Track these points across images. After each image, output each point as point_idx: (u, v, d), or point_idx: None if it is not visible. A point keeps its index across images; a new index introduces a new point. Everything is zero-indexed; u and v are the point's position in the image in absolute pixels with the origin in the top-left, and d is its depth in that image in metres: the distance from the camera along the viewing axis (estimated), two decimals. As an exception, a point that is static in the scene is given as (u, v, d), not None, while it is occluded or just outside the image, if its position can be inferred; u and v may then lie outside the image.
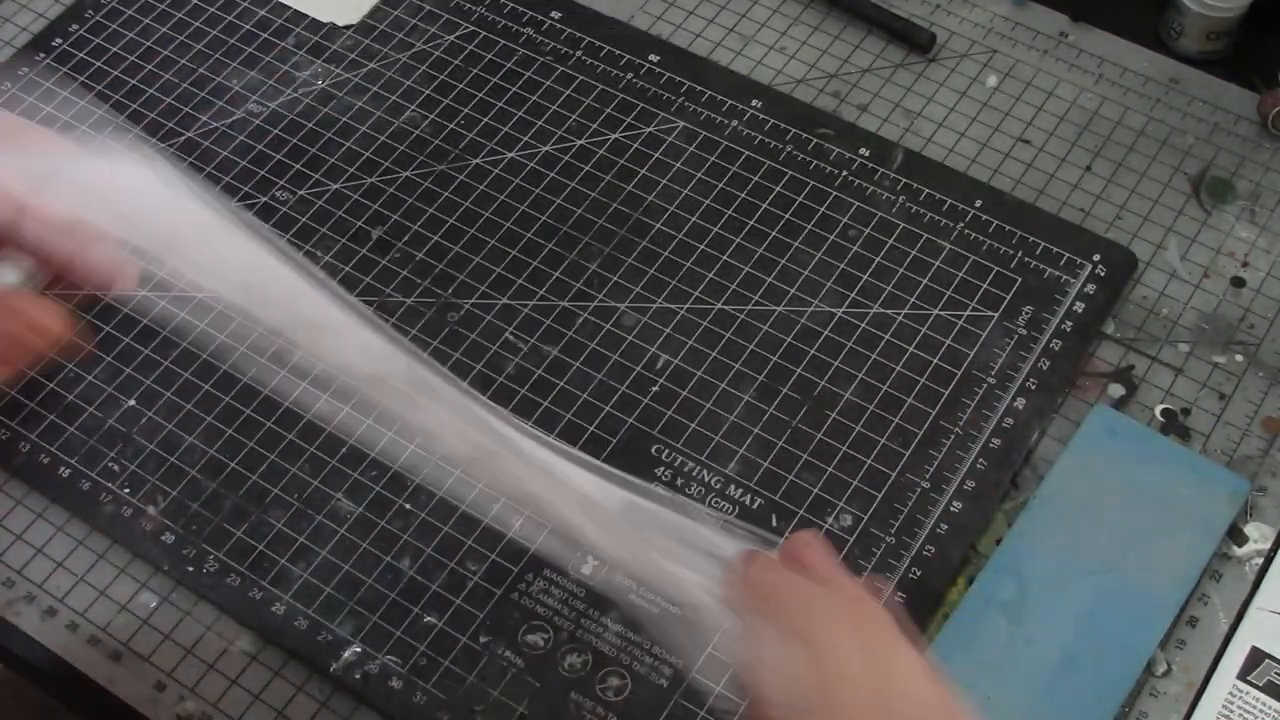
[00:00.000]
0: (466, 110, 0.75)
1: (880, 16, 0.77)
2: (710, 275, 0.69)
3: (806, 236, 0.70)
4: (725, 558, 0.46)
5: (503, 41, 0.78)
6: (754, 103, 0.74)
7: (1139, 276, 0.69)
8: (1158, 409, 0.65)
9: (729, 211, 0.71)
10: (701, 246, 0.70)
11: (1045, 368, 0.65)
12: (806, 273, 0.69)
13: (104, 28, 0.80)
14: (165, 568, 0.62)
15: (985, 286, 0.68)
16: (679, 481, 0.63)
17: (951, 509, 0.62)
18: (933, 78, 0.76)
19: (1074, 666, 0.57)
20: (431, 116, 0.75)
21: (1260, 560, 0.61)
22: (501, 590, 0.61)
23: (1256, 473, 0.63)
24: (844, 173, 0.72)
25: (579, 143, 0.74)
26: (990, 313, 0.67)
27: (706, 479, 0.63)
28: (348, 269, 0.70)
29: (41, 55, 0.79)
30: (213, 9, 0.80)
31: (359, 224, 0.72)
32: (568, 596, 0.60)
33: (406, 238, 0.71)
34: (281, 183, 0.73)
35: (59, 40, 0.80)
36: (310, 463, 0.64)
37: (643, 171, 0.72)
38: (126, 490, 0.64)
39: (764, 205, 0.71)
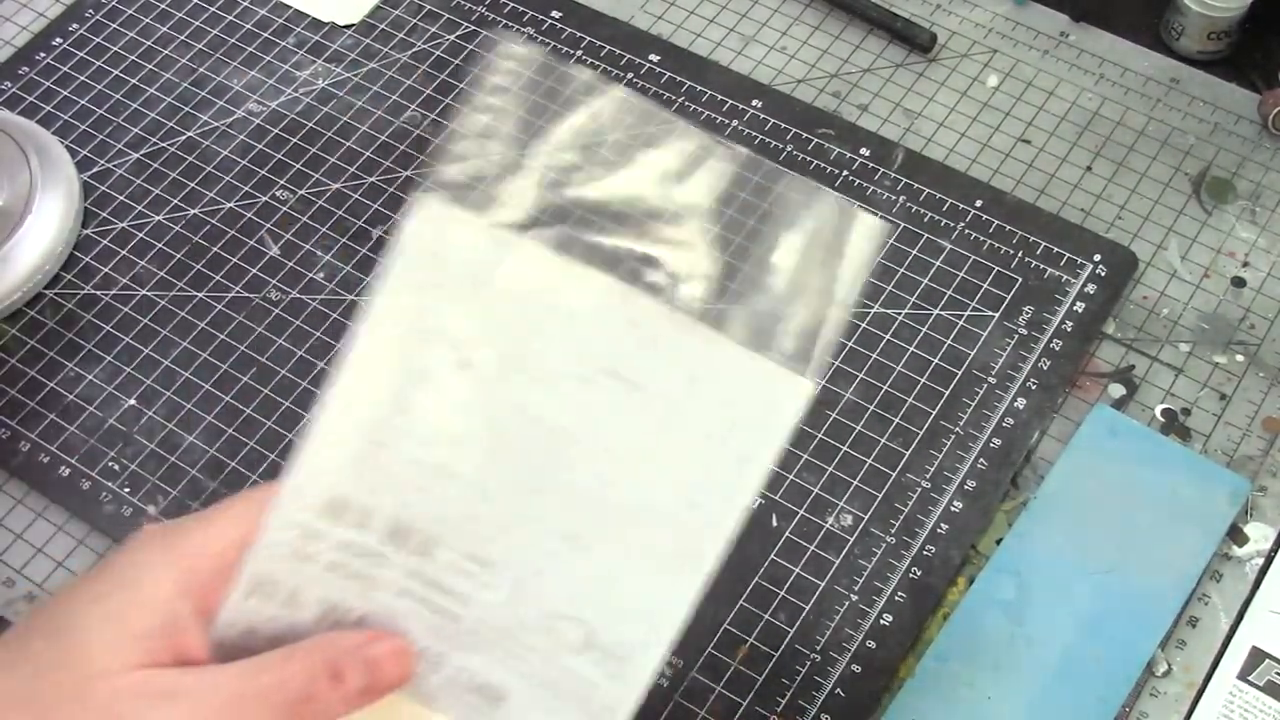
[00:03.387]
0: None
1: (881, 16, 0.77)
2: (710, 275, 0.69)
3: (807, 236, 0.70)
4: None
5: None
6: (754, 103, 0.74)
7: (1139, 276, 0.69)
8: (1158, 409, 0.65)
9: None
10: (702, 246, 0.70)
11: (1046, 367, 0.65)
12: (807, 272, 0.69)
13: (104, 27, 0.80)
14: (165, 567, 0.62)
15: (985, 286, 0.68)
16: (679, 481, 0.63)
17: (952, 509, 0.62)
18: (933, 78, 0.76)
19: (1074, 666, 0.57)
20: (432, 116, 0.75)
21: (1260, 560, 0.61)
22: (502, 590, 0.61)
23: (1257, 473, 0.63)
24: (844, 173, 0.72)
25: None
26: (991, 312, 0.67)
27: (707, 479, 0.63)
28: (348, 268, 0.70)
29: (42, 54, 0.79)
30: (213, 8, 0.80)
31: (359, 223, 0.72)
32: (568, 596, 0.60)
33: (407, 237, 0.71)
34: (282, 182, 0.73)
35: (59, 39, 0.80)
36: (310, 462, 0.64)
37: (643, 171, 0.72)
38: (127, 489, 0.64)
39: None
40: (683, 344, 0.39)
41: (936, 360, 0.66)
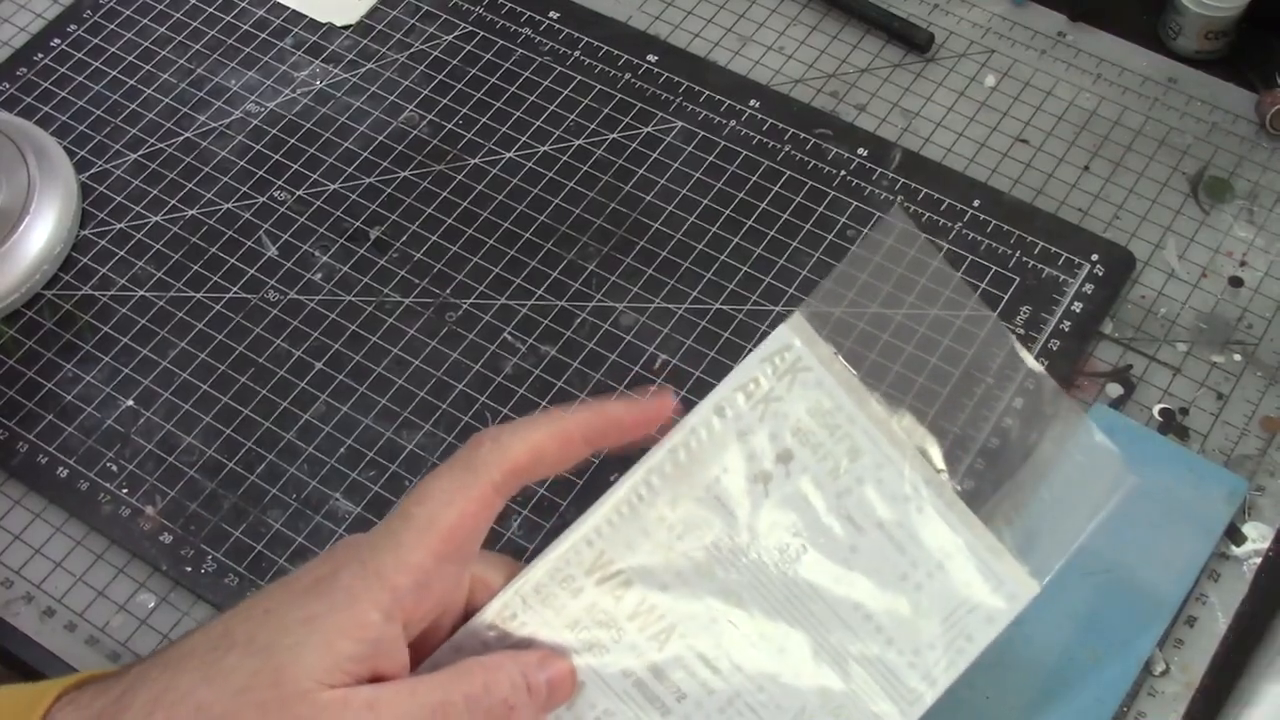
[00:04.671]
0: (464, 110, 0.75)
1: (878, 16, 0.77)
2: (708, 275, 0.69)
3: (805, 236, 0.70)
4: None
5: (501, 41, 0.78)
6: (752, 102, 0.74)
7: (1137, 276, 0.69)
8: (1156, 409, 0.65)
9: (727, 211, 0.71)
10: (700, 246, 0.70)
11: (1043, 367, 0.65)
12: (805, 272, 0.69)
13: (102, 28, 0.80)
14: (163, 567, 0.62)
15: (984, 286, 0.68)
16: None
17: (950, 509, 0.62)
18: (931, 77, 0.76)
19: (1073, 666, 0.57)
20: (429, 116, 0.75)
21: (1258, 560, 0.61)
22: (500, 590, 0.61)
23: (1254, 472, 0.63)
24: (842, 172, 0.72)
25: (577, 142, 0.74)
26: (988, 313, 0.67)
27: (705, 479, 0.63)
28: (346, 269, 0.70)
29: (40, 55, 0.79)
30: (211, 9, 0.80)
31: (357, 224, 0.72)
32: (566, 596, 0.60)
33: (404, 237, 0.71)
34: (279, 182, 0.73)
35: (57, 40, 0.80)
36: (308, 463, 0.64)
37: (641, 171, 0.72)
38: (125, 490, 0.64)
39: (762, 205, 0.71)
40: (950, 521, 0.44)
41: (934, 360, 0.66)
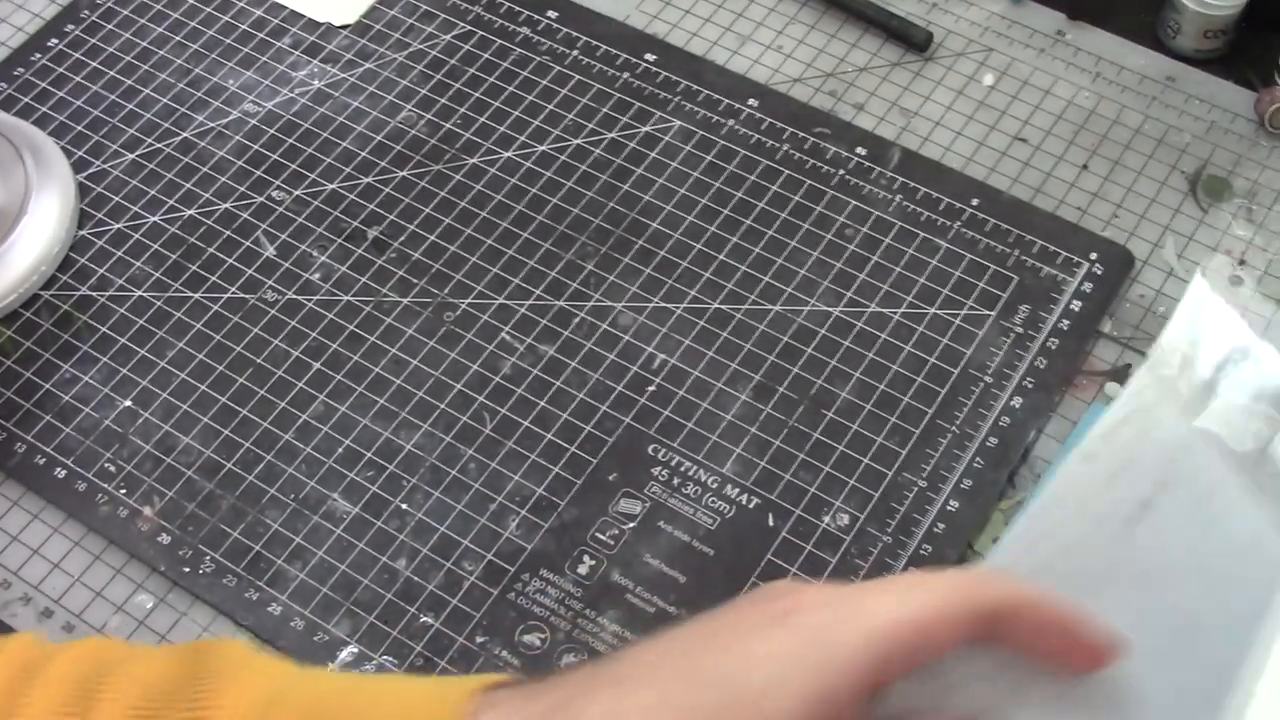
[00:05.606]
0: (463, 109, 0.75)
1: (877, 15, 0.77)
2: (707, 274, 0.69)
3: (803, 235, 0.70)
4: None
5: (499, 41, 0.78)
6: (750, 101, 0.74)
7: (1136, 275, 0.68)
8: (1155, 407, 0.65)
9: (725, 210, 0.71)
10: (698, 246, 0.70)
11: (1042, 366, 0.65)
12: (803, 272, 0.69)
13: (100, 28, 0.80)
14: (161, 568, 0.62)
15: (982, 285, 0.68)
16: (675, 481, 0.63)
17: (948, 508, 0.62)
18: (929, 76, 0.76)
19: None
20: (428, 116, 0.75)
21: (1257, 559, 0.61)
22: (498, 590, 0.61)
23: (1254, 471, 0.63)
24: (840, 171, 0.72)
25: (575, 142, 0.74)
26: (987, 311, 0.67)
27: (703, 478, 0.63)
28: (344, 269, 0.70)
29: (37, 55, 0.79)
30: (209, 9, 0.80)
31: (355, 223, 0.72)
32: (564, 596, 0.60)
33: (403, 237, 0.71)
34: (278, 182, 0.73)
35: (55, 40, 0.79)
36: (307, 463, 0.64)
37: (639, 170, 0.72)
38: (123, 491, 0.64)
39: (760, 204, 0.71)
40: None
41: (933, 359, 0.66)
